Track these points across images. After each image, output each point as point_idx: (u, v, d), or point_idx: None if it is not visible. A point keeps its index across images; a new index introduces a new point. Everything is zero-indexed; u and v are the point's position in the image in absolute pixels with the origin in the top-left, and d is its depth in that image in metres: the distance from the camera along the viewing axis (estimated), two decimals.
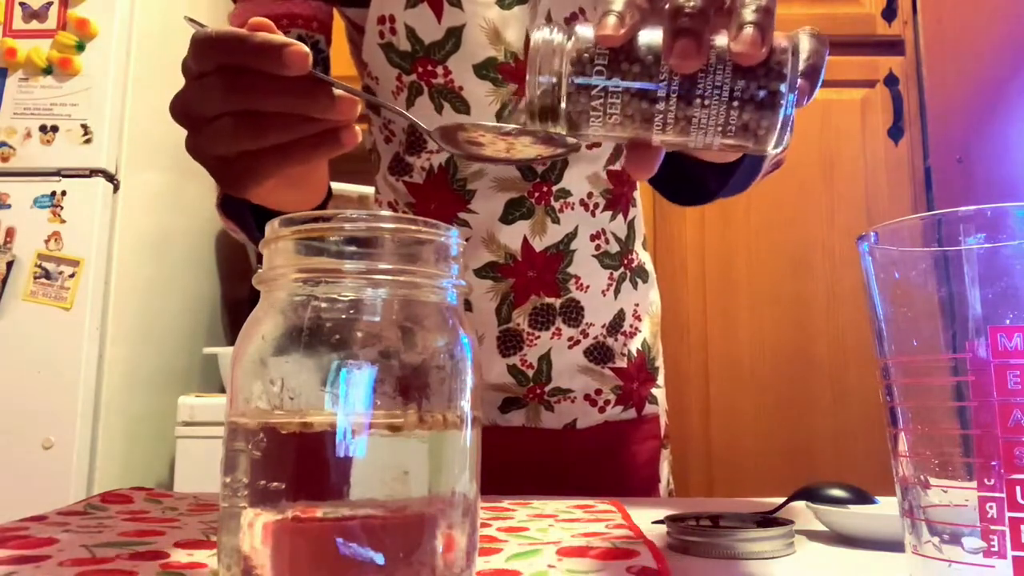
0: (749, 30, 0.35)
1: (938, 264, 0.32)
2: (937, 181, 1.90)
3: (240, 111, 0.44)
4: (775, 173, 0.76)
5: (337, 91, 0.45)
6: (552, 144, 0.49)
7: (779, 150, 0.38)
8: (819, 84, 0.38)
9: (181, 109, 0.47)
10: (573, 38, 0.38)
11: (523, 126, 0.41)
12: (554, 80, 0.38)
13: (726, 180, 0.70)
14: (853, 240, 0.36)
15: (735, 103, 0.37)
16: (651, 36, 0.37)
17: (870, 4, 1.98)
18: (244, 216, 0.64)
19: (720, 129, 0.37)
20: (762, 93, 0.36)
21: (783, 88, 0.36)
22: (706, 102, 0.37)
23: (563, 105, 0.38)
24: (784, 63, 0.36)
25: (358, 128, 0.47)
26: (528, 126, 0.40)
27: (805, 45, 0.38)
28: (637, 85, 0.37)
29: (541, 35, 0.38)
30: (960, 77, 1.92)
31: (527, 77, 0.38)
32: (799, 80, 0.37)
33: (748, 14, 0.36)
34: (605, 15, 0.37)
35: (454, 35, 0.73)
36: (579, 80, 0.37)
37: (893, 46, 1.98)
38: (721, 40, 0.37)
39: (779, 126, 0.37)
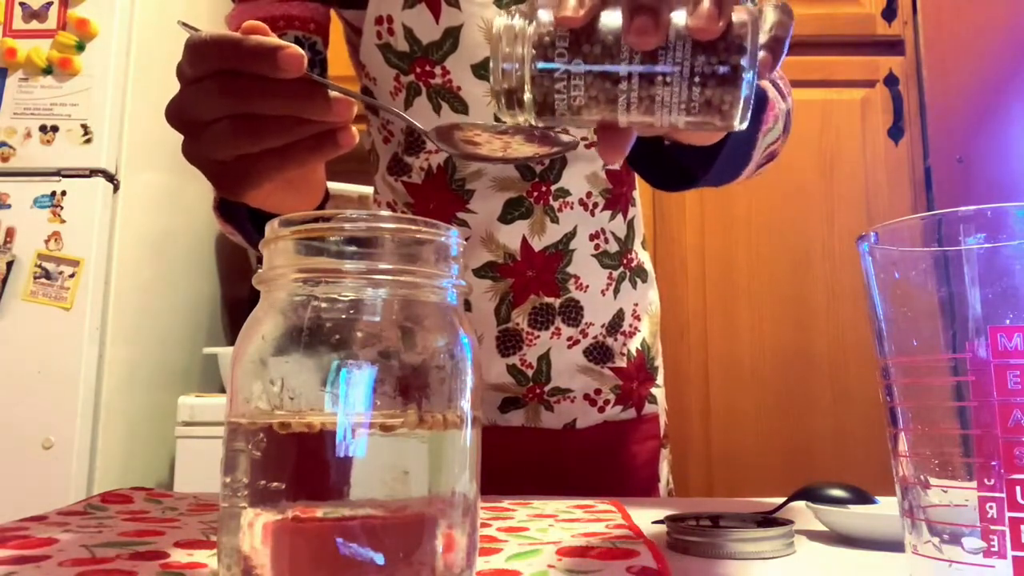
0: (706, 4, 0.35)
1: (938, 264, 0.32)
2: (937, 181, 1.90)
3: (236, 115, 0.44)
4: (770, 166, 0.75)
5: (332, 93, 0.45)
6: (549, 143, 0.49)
7: (743, 125, 0.38)
8: (782, 56, 0.38)
9: (177, 114, 0.47)
10: (534, 23, 0.37)
11: (525, 124, 0.41)
12: (516, 66, 0.37)
13: (709, 165, 0.69)
14: (853, 240, 0.36)
15: (696, 79, 0.36)
16: (611, 16, 0.37)
17: (870, 4, 1.98)
18: (242, 219, 0.64)
19: (684, 106, 0.37)
20: (722, 68, 0.36)
21: (744, 62, 0.36)
22: (668, 79, 0.36)
23: (527, 91, 0.38)
24: (744, 36, 0.36)
25: (355, 129, 0.47)
26: (499, 115, 0.40)
27: (769, 17, 0.38)
28: (598, 67, 0.37)
29: (502, 21, 0.38)
30: (960, 77, 1.92)
31: (491, 66, 0.38)
32: (760, 52, 0.36)
33: None
34: None
35: (452, 35, 0.73)
36: (541, 64, 0.37)
37: (893, 46, 1.98)
38: (681, 17, 0.36)
39: (742, 100, 0.37)
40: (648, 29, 0.35)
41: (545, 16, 0.37)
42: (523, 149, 0.50)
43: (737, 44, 0.36)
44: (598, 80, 0.37)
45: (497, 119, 0.75)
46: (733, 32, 0.36)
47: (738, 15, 0.37)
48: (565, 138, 0.49)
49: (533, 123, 0.40)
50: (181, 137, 0.48)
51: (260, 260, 0.34)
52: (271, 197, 0.55)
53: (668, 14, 0.36)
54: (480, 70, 0.74)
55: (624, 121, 0.39)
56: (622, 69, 0.37)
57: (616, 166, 0.81)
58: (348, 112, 0.45)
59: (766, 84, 0.70)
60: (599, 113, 0.38)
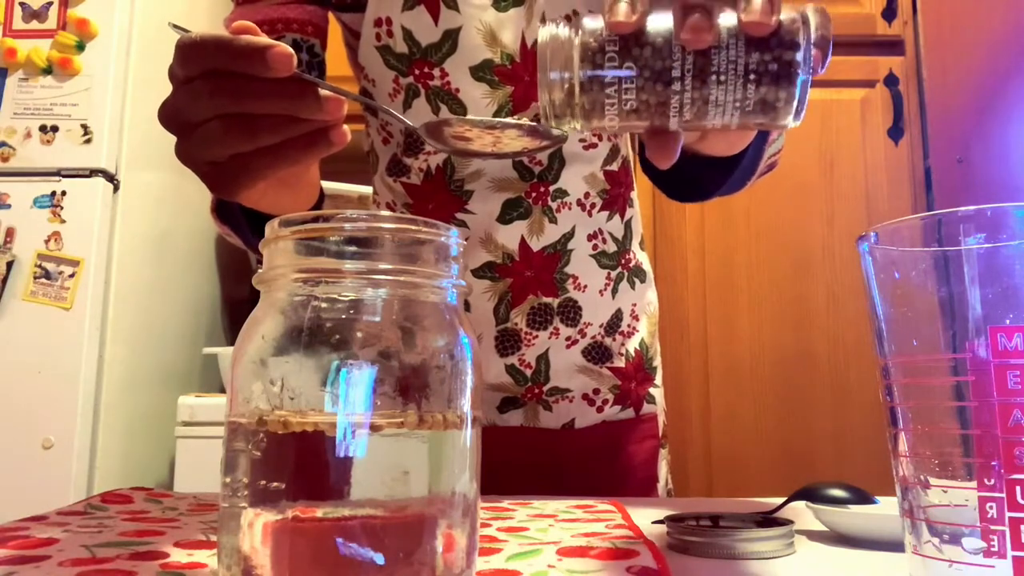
0: (757, 1, 0.35)
1: (938, 264, 0.32)
2: (937, 181, 1.90)
3: (228, 114, 0.44)
4: (769, 175, 0.76)
5: (323, 91, 0.45)
6: (538, 136, 0.49)
7: (798, 122, 0.38)
8: (829, 54, 0.38)
9: (169, 115, 0.46)
10: (580, 30, 0.37)
11: (527, 119, 0.41)
12: (567, 75, 0.37)
13: (725, 178, 0.70)
14: (853, 240, 0.36)
15: (751, 76, 0.36)
16: (659, 18, 0.37)
17: (870, 4, 1.98)
18: (238, 220, 0.64)
19: (738, 105, 0.37)
20: (777, 65, 0.36)
21: (798, 57, 0.36)
22: (722, 78, 0.36)
23: (577, 99, 0.37)
24: (796, 32, 0.36)
25: (347, 128, 0.47)
26: (544, 125, 0.39)
27: (813, 17, 0.37)
28: (651, 68, 0.37)
29: (547, 31, 0.38)
30: (960, 77, 1.92)
31: (539, 76, 0.38)
32: (812, 49, 0.36)
33: None
34: (613, 2, 0.36)
35: (451, 37, 0.73)
36: (591, 72, 0.37)
37: (893, 46, 1.98)
38: (730, 17, 0.36)
39: (797, 97, 0.37)
40: (703, 26, 0.35)
41: (591, 23, 0.37)
42: (513, 144, 0.50)
43: (789, 40, 0.36)
44: (649, 83, 0.37)
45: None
46: (784, 28, 0.36)
47: (787, 13, 0.37)
48: (555, 132, 0.49)
49: (581, 130, 0.39)
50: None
51: (260, 260, 0.34)
52: (265, 197, 0.54)
53: (720, 12, 0.36)
54: (478, 72, 0.74)
55: (676, 124, 0.38)
56: (675, 70, 0.36)
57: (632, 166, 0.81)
58: (339, 110, 0.45)
59: None
60: (650, 118, 0.38)
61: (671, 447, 0.92)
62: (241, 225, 0.64)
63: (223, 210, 0.65)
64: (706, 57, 0.36)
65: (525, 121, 0.43)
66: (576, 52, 0.37)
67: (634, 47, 0.36)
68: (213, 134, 0.44)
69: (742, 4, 0.36)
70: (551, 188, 0.78)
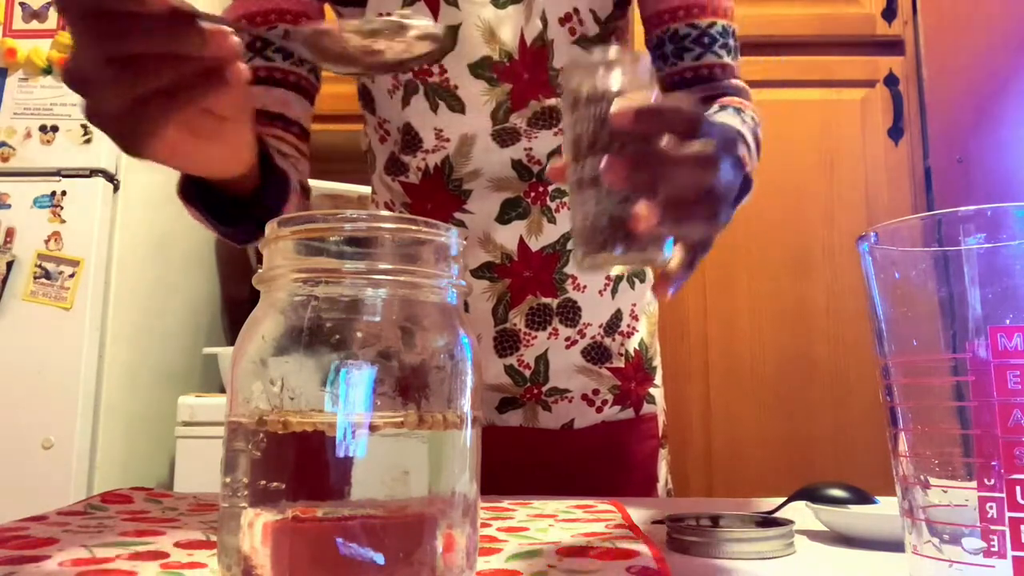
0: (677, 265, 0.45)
1: (938, 264, 0.32)
2: (937, 181, 1.90)
3: (114, 59, 0.42)
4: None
5: (207, 25, 0.43)
6: (427, 40, 0.48)
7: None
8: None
9: (70, 76, 0.44)
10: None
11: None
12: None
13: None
14: (853, 240, 0.36)
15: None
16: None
17: (870, 4, 1.98)
18: (193, 197, 0.62)
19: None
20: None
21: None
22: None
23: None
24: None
25: (244, 66, 0.45)
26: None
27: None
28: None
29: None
30: (960, 77, 1.92)
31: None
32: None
33: (696, 232, 0.45)
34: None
35: (450, 34, 0.73)
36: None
37: (893, 46, 1.98)
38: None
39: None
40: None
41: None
42: (397, 47, 0.49)
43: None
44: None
45: (495, 119, 0.75)
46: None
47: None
48: (440, 34, 0.49)
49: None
50: None
51: (260, 260, 0.34)
52: (181, 149, 0.51)
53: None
54: (477, 69, 0.74)
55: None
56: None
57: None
58: (227, 44, 0.43)
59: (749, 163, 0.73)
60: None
61: (671, 447, 0.92)
62: (199, 205, 0.62)
63: (188, 190, 0.63)
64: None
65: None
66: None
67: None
68: (106, 83, 0.42)
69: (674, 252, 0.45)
70: (550, 188, 0.78)
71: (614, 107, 0.41)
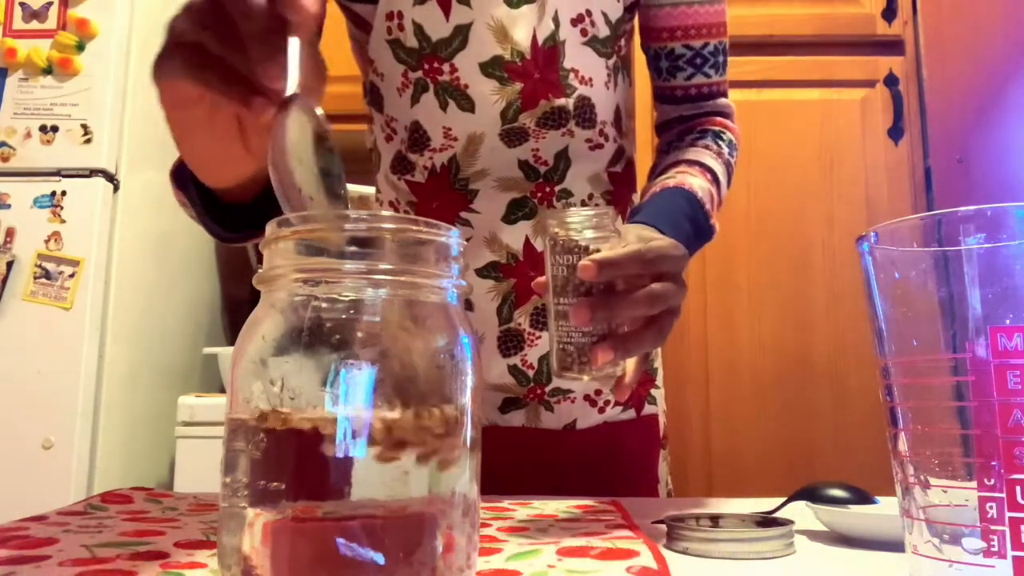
0: (631, 373, 0.58)
1: (938, 264, 0.32)
2: (937, 181, 1.90)
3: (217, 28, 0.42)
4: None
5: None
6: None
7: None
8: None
9: (175, 24, 0.44)
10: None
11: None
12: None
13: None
14: (853, 240, 0.36)
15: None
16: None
17: (870, 4, 1.98)
18: (186, 184, 0.61)
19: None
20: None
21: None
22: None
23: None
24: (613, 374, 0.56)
25: (265, 105, 0.44)
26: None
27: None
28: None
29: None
30: (960, 77, 1.92)
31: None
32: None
33: (645, 349, 0.55)
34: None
35: (461, 33, 0.74)
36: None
37: (893, 46, 1.98)
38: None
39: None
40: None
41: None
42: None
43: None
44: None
45: (504, 120, 0.75)
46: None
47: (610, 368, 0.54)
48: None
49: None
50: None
51: (260, 260, 0.34)
52: (188, 118, 0.48)
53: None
54: (488, 68, 0.74)
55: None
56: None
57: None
58: (275, 77, 0.43)
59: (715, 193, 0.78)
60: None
61: (671, 447, 0.92)
62: (191, 190, 0.61)
63: (181, 177, 0.62)
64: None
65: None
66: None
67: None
68: (200, 24, 0.43)
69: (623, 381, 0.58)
70: (556, 188, 0.78)
71: (582, 261, 0.52)
